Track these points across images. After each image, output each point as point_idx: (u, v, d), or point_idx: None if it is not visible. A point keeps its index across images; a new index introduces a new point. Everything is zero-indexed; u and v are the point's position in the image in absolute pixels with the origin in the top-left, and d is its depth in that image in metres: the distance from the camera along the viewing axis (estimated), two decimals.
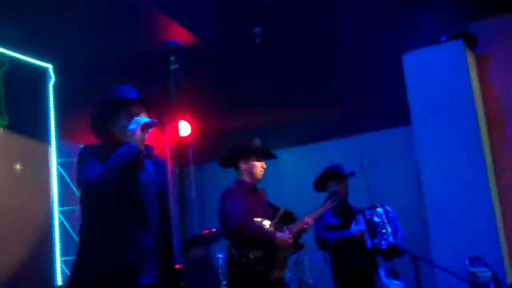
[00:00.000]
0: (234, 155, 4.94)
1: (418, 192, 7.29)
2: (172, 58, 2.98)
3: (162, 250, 3.31)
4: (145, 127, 3.27)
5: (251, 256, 4.52)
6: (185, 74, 3.02)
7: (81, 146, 9.83)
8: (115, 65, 7.46)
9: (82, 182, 3.18)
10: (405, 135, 8.93)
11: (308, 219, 4.89)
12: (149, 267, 3.21)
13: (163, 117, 3.35)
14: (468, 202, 6.58)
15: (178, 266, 3.71)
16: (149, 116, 3.37)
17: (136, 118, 3.30)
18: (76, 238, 8.96)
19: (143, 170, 3.35)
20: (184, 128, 9.08)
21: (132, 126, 3.26)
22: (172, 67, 3.01)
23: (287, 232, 4.75)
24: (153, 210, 3.32)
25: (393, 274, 7.58)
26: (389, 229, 5.61)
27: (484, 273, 6.12)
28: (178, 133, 4.92)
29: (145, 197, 3.30)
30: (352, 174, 6.01)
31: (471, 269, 6.14)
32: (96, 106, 3.47)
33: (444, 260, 6.30)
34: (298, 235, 4.86)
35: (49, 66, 7.46)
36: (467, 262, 6.21)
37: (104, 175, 3.09)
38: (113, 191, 3.11)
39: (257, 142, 4.94)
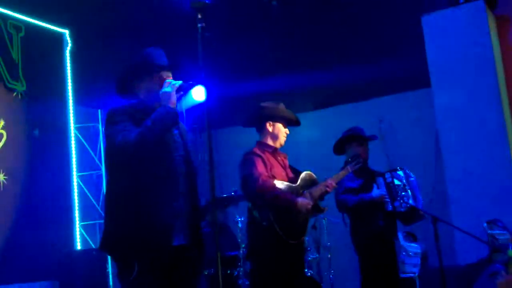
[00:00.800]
0: (262, 115, 4.88)
1: (437, 155, 7.25)
2: (198, 16, 2.87)
3: (190, 212, 3.33)
4: (179, 90, 3.25)
5: (272, 218, 4.52)
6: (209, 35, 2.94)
7: (98, 111, 9.81)
8: (132, 29, 7.40)
9: (116, 144, 3.12)
10: (424, 98, 8.85)
11: (331, 182, 4.88)
12: (180, 229, 3.23)
13: (188, 79, 3.32)
14: (487, 164, 6.54)
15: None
16: (175, 79, 3.34)
17: (169, 81, 3.27)
18: (95, 202, 9.10)
19: (170, 133, 3.34)
20: (204, 92, 9.00)
21: (167, 89, 3.23)
22: (199, 25, 2.90)
23: (308, 196, 4.74)
24: (181, 173, 3.32)
25: (411, 237, 7.60)
26: (409, 192, 5.59)
27: (503, 236, 6.11)
28: (200, 97, 4.90)
29: (174, 160, 3.30)
30: (374, 137, 5.97)
31: (490, 231, 6.13)
32: (126, 66, 3.44)
33: (462, 223, 6.27)
34: (320, 198, 4.86)
35: (66, 32, 7.43)
36: (485, 224, 6.19)
37: (143, 137, 3.07)
38: (149, 154, 3.10)
39: (283, 107, 4.90)
